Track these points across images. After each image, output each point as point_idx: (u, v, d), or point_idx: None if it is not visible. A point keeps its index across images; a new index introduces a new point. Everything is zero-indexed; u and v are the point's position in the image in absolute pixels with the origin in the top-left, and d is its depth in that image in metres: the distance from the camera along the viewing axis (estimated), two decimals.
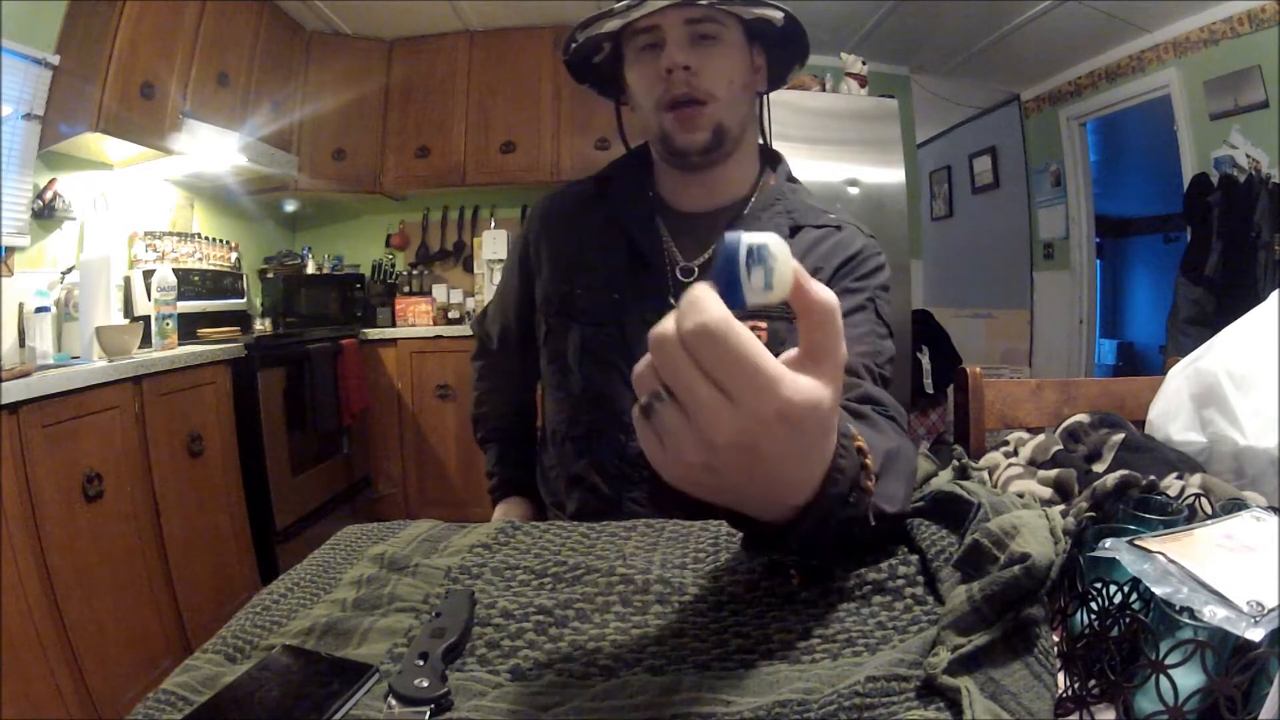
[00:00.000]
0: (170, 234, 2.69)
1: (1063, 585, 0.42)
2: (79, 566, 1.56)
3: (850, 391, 0.69)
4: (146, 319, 2.20)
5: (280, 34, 3.02)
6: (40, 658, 1.44)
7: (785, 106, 2.66)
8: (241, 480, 2.25)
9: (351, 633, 0.46)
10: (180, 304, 2.30)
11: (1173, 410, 0.86)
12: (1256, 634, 0.32)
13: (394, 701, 0.37)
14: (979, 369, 1.15)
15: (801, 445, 0.37)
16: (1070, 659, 0.38)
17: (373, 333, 3.11)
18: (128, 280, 2.40)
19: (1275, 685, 0.30)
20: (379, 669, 0.41)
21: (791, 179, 0.94)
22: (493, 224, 3.52)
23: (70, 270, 2.13)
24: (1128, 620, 0.37)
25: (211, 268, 2.83)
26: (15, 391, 1.44)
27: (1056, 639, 0.39)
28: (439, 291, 3.53)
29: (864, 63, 3.07)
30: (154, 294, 2.20)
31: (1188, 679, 0.32)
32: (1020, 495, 0.55)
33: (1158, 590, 0.36)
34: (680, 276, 0.85)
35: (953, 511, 0.53)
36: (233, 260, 3.02)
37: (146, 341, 2.13)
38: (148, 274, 2.34)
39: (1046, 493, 0.71)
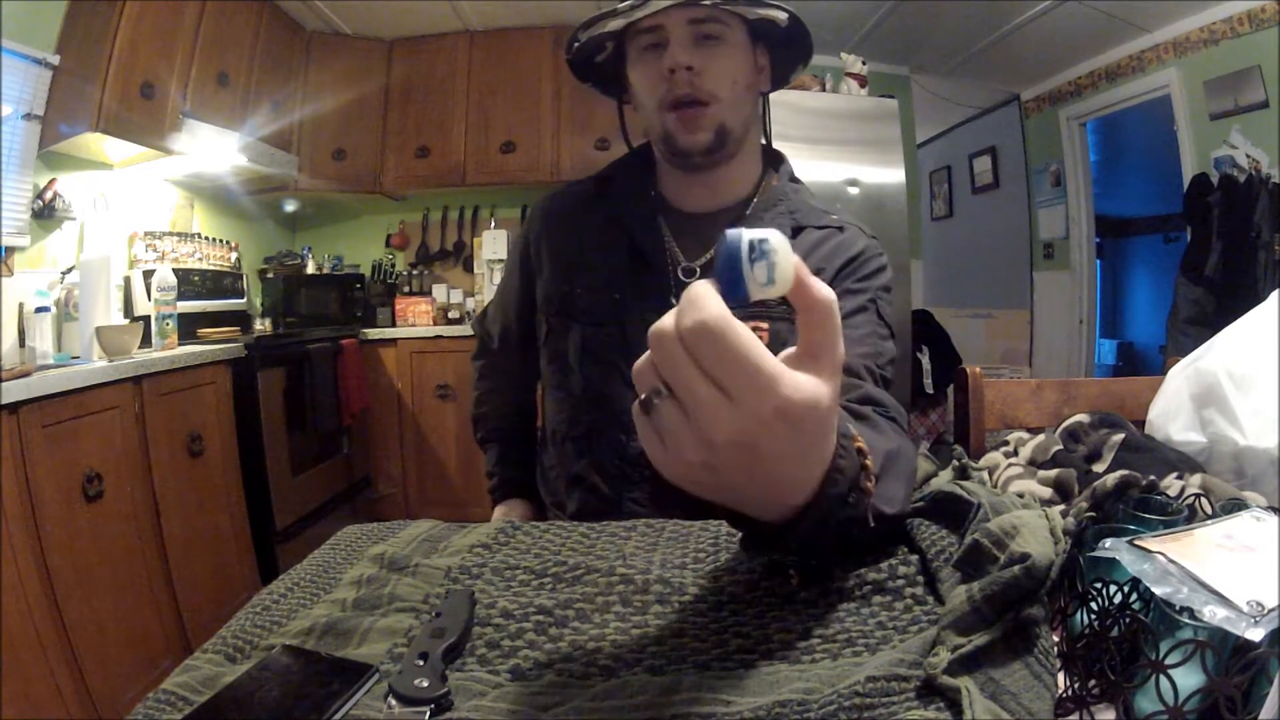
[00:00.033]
0: (170, 234, 2.69)
1: (1063, 585, 0.42)
2: (79, 566, 1.56)
3: (851, 392, 0.69)
4: (146, 319, 2.20)
5: (280, 34, 3.02)
6: (40, 658, 1.44)
7: (785, 106, 2.66)
8: (241, 480, 2.25)
9: (351, 633, 0.46)
10: (180, 304, 2.30)
11: (1173, 410, 0.86)
12: (1256, 634, 0.32)
13: (394, 701, 0.37)
14: (979, 369, 1.15)
15: (800, 444, 0.37)
16: (1070, 659, 0.38)
17: (373, 333, 3.11)
18: (128, 280, 2.40)
19: (1275, 685, 0.30)
20: (379, 669, 0.41)
21: (794, 179, 0.94)
22: (493, 224, 3.52)
23: (70, 270, 2.13)
24: (1128, 620, 0.37)
25: (211, 268, 2.83)
26: (15, 391, 1.44)
27: (1056, 639, 0.39)
28: (439, 291, 3.53)
29: (864, 63, 3.07)
30: (154, 294, 2.20)
31: (1188, 679, 0.32)
32: (1020, 495, 0.55)
33: (1158, 590, 0.36)
34: (682, 277, 0.85)
35: (953, 511, 0.53)
36: (233, 260, 3.02)
37: (146, 341, 2.13)
38: (148, 274, 2.34)
39: (1046, 493, 0.71)
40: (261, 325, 3.04)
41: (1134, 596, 0.41)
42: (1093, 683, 0.37)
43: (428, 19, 3.26)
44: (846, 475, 0.42)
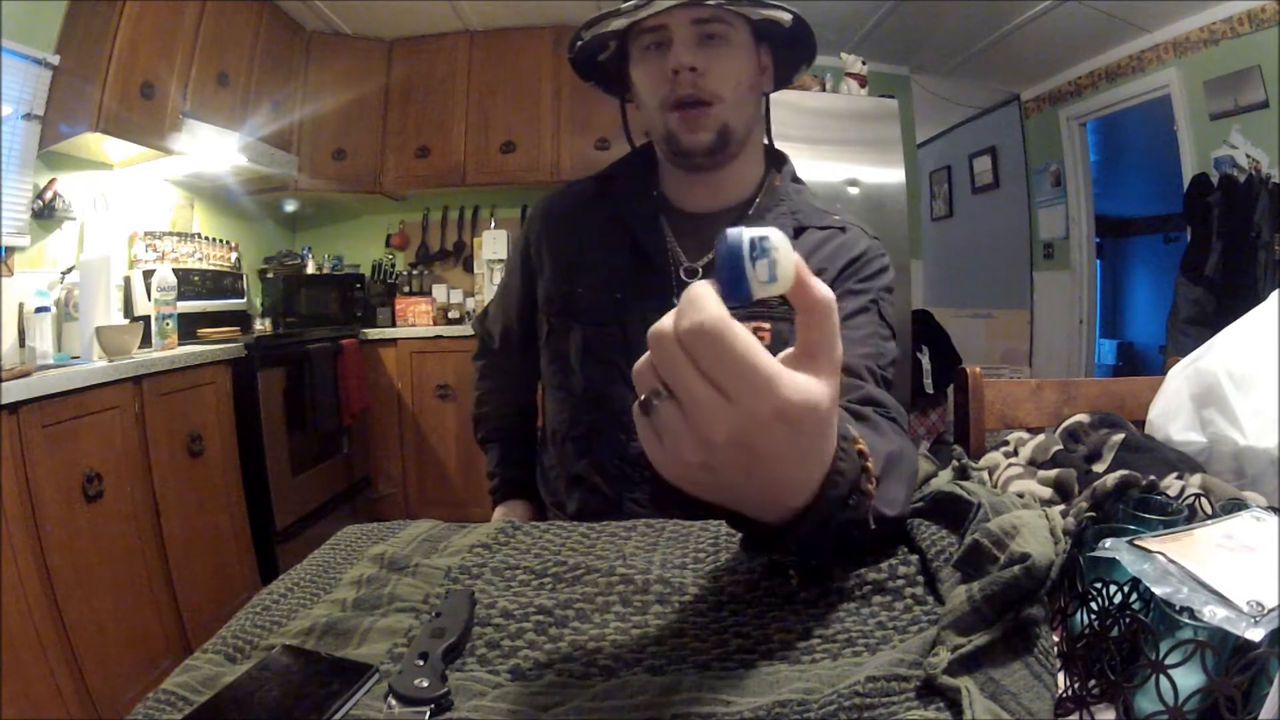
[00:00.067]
0: (170, 234, 2.69)
1: (1063, 585, 0.42)
2: (79, 566, 1.56)
3: (852, 393, 0.69)
4: (146, 319, 2.20)
5: (280, 34, 3.02)
6: (40, 658, 1.44)
7: (785, 106, 2.66)
8: (241, 480, 2.25)
9: (351, 633, 0.46)
10: (180, 304, 2.30)
11: (1173, 410, 0.86)
12: (1256, 634, 0.32)
13: (394, 701, 0.37)
14: (979, 369, 1.15)
15: (800, 445, 0.37)
16: (1070, 659, 0.38)
17: (373, 333, 3.11)
18: (128, 280, 2.40)
19: (1275, 685, 0.30)
20: (379, 669, 0.41)
21: (796, 180, 0.94)
22: (493, 224, 3.52)
23: (70, 270, 2.13)
24: (1128, 620, 0.37)
25: (211, 268, 2.83)
26: (15, 391, 1.44)
27: (1056, 639, 0.39)
28: (439, 291, 3.53)
29: (864, 63, 3.07)
30: (154, 294, 2.20)
31: (1188, 679, 0.32)
32: (1020, 495, 0.55)
33: (1158, 590, 0.36)
34: (684, 277, 0.85)
35: (953, 511, 0.53)
36: (233, 260, 3.02)
37: (146, 341, 2.13)
38: (148, 274, 2.34)
39: (1046, 493, 0.71)
40: (261, 325, 3.04)
41: (1134, 596, 0.41)
42: (1093, 683, 0.37)
43: (428, 19, 3.26)
44: (847, 478, 0.42)
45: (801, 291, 0.36)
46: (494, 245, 3.37)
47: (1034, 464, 0.80)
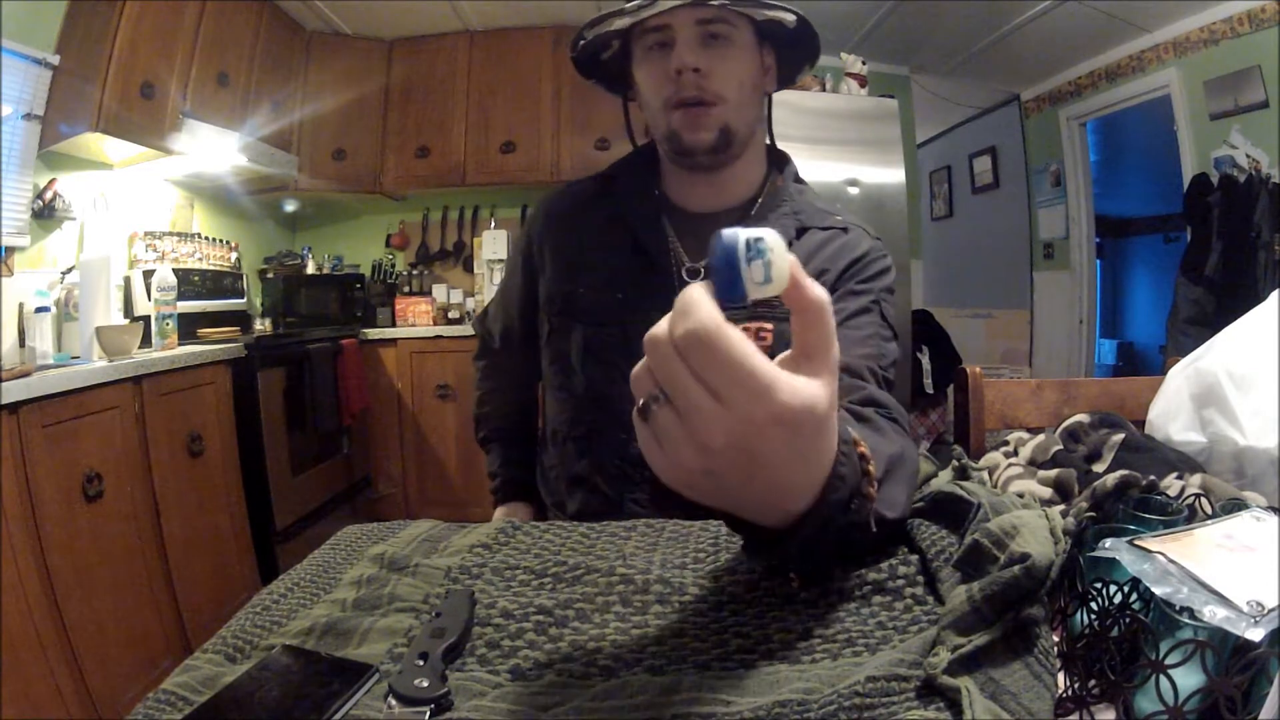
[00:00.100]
0: (170, 234, 2.69)
1: (1063, 585, 0.42)
2: (79, 566, 1.56)
3: (853, 394, 0.68)
4: (146, 319, 2.20)
5: (280, 34, 3.02)
6: (40, 658, 1.44)
7: (785, 106, 2.63)
8: (241, 480, 2.25)
9: (351, 633, 0.46)
10: (180, 304, 2.30)
11: (1173, 410, 0.86)
12: (1256, 634, 0.32)
13: (394, 701, 0.37)
14: (979, 369, 1.15)
15: (799, 448, 0.37)
16: (1070, 659, 0.38)
17: (373, 333, 3.11)
18: (128, 280, 2.40)
19: (1275, 685, 0.30)
20: (379, 669, 0.41)
21: (798, 180, 0.94)
22: (493, 224, 3.52)
23: (70, 270, 2.13)
24: (1128, 620, 0.37)
25: (211, 268, 2.83)
26: (15, 391, 1.44)
27: (1056, 639, 0.39)
28: (439, 291, 3.53)
29: (864, 63, 3.07)
30: (154, 294, 2.20)
31: (1188, 679, 0.32)
32: (1020, 495, 0.55)
33: (1158, 590, 0.36)
34: (686, 277, 0.84)
35: (953, 511, 0.53)
36: (233, 260, 3.02)
37: (146, 341, 2.13)
38: (148, 274, 2.34)
39: (1046, 493, 0.71)
40: (261, 325, 3.04)
41: (1134, 596, 0.41)
42: (1093, 683, 0.37)
43: (428, 19, 3.26)
44: (848, 482, 0.42)
45: (796, 293, 0.36)
46: (494, 245, 3.37)
47: (1034, 464, 0.80)
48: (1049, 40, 3.55)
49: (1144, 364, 5.12)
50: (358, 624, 0.47)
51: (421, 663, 0.40)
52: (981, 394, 1.13)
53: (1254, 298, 1.17)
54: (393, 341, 3.10)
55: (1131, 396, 1.11)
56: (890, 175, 2.88)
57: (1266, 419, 0.74)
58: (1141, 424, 0.90)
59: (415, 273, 3.57)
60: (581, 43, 0.85)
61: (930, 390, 3.14)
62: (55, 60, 2.07)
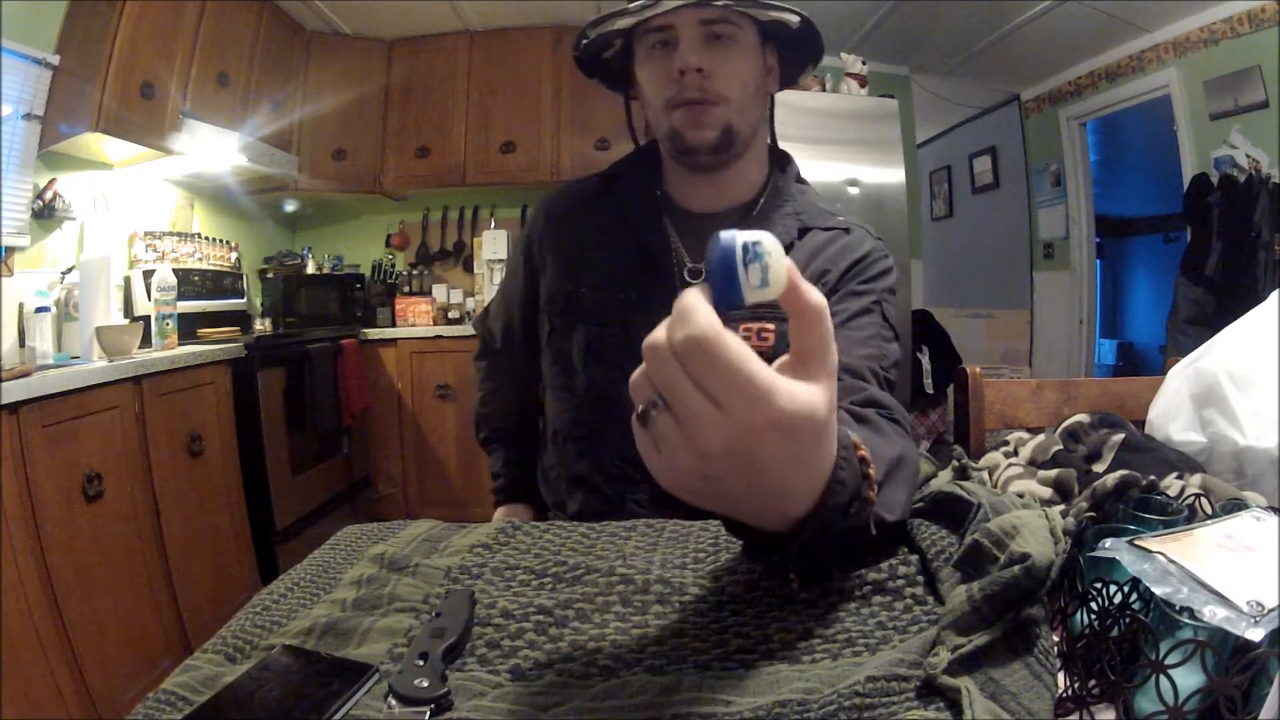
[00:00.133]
0: (170, 234, 2.69)
1: (1063, 585, 0.42)
2: (79, 566, 1.56)
3: (854, 395, 0.68)
4: (146, 319, 2.20)
5: (280, 34, 3.02)
6: (40, 658, 1.44)
7: (785, 106, 2.62)
8: (241, 480, 2.25)
9: (351, 633, 0.46)
10: (180, 304, 2.30)
11: (1173, 410, 0.86)
12: (1256, 634, 0.32)
13: (394, 701, 0.37)
14: (979, 369, 1.15)
15: (798, 454, 0.37)
16: (1070, 659, 0.38)
17: (373, 333, 3.11)
18: (128, 280, 2.40)
19: (1275, 685, 0.30)
20: (379, 669, 0.41)
21: (800, 180, 0.94)
22: (493, 224, 3.52)
23: (70, 270, 2.13)
24: (1128, 620, 0.37)
25: (211, 268, 2.83)
26: (15, 391, 1.44)
27: (1056, 639, 0.39)
28: (439, 291, 3.53)
29: (864, 63, 3.07)
30: (154, 294, 2.20)
31: (1188, 679, 0.32)
32: (1020, 495, 0.55)
33: (1158, 590, 0.36)
34: (688, 278, 0.84)
35: (953, 511, 0.53)
36: (233, 260, 3.02)
37: (146, 341, 2.13)
38: (148, 274, 2.34)
39: (1046, 493, 0.71)
40: (261, 325, 3.04)
41: (1134, 596, 0.41)
42: (1093, 683, 0.37)
43: (428, 19, 3.26)
44: (848, 486, 0.42)
45: (794, 296, 0.36)
46: (494, 245, 3.37)
47: (1034, 464, 0.80)
48: (1049, 40, 3.55)
49: (1144, 364, 5.13)
50: (358, 624, 0.47)
51: (421, 663, 0.40)
52: (981, 394, 1.13)
53: (1254, 298, 1.17)
54: (393, 341, 3.10)
55: (1131, 396, 1.11)
56: (890, 175, 2.88)
57: (1266, 419, 0.74)
58: (1141, 424, 0.90)
59: (415, 273, 3.57)
60: (584, 41, 0.85)
61: (930, 390, 3.14)
62: (55, 60, 2.07)
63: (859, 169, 2.83)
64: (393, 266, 3.62)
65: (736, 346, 0.33)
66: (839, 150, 2.81)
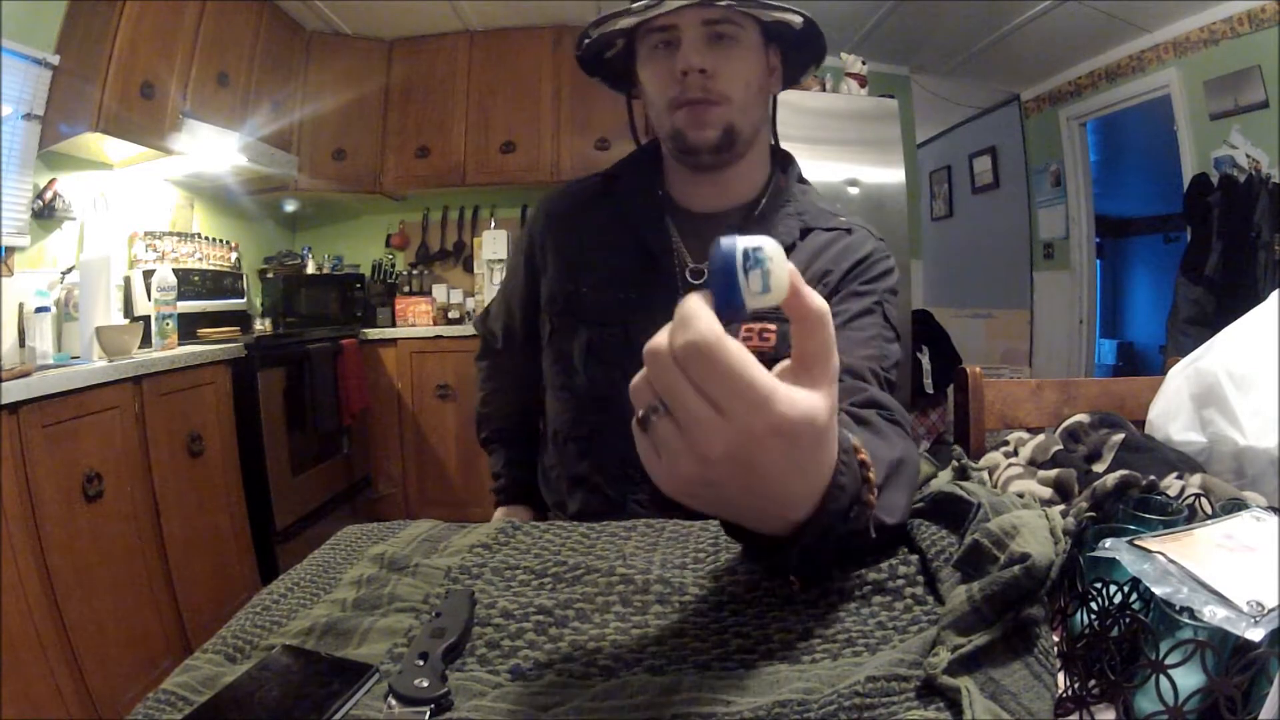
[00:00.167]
0: (170, 234, 2.69)
1: (1063, 585, 0.42)
2: (79, 566, 1.56)
3: (855, 395, 0.68)
4: (146, 319, 2.20)
5: (280, 34, 3.02)
6: (40, 658, 1.44)
7: (785, 106, 2.62)
8: (241, 480, 2.25)
9: (351, 633, 0.46)
10: (180, 304, 2.30)
11: (1173, 410, 0.86)
12: (1256, 634, 0.32)
13: (394, 701, 0.37)
14: (979, 369, 1.15)
15: (798, 459, 0.37)
16: (1070, 659, 0.38)
17: (373, 333, 3.11)
18: (128, 280, 2.40)
19: (1275, 685, 0.30)
20: (379, 669, 0.41)
21: (802, 181, 0.94)
22: (493, 224, 3.52)
23: (70, 270, 2.13)
24: (1128, 620, 0.37)
25: (211, 268, 2.83)
26: (15, 391, 1.44)
27: (1056, 639, 0.39)
28: (439, 291, 3.53)
29: (864, 63, 3.07)
30: (154, 294, 2.20)
31: (1188, 679, 0.32)
32: (1020, 495, 0.55)
33: (1158, 590, 0.36)
34: (690, 279, 0.84)
35: (953, 512, 0.53)
36: (233, 260, 3.02)
37: (146, 341, 2.13)
38: (148, 274, 2.34)
39: (1046, 493, 0.71)
40: (261, 325, 3.04)
41: (1134, 596, 0.41)
42: (1093, 683, 0.37)
43: (428, 19, 3.26)
44: (848, 491, 0.42)
45: (796, 302, 0.36)
46: (494, 245, 3.37)
47: (1034, 464, 0.80)
48: (1049, 40, 3.55)
49: (1144, 364, 5.13)
50: (358, 624, 0.47)
51: (421, 663, 0.40)
52: (981, 394, 1.13)
53: (1254, 298, 1.17)
54: (393, 341, 3.10)
55: (1131, 396, 1.11)
56: (890, 175, 2.89)
57: (1266, 419, 0.74)
58: (1141, 424, 0.90)
59: (415, 273, 3.57)
60: (586, 41, 0.85)
61: (930, 390, 3.14)
62: (55, 60, 2.07)
63: (859, 169, 2.83)
64: (393, 266, 3.62)
65: (737, 352, 0.33)
66: (839, 150, 2.81)
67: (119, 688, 1.61)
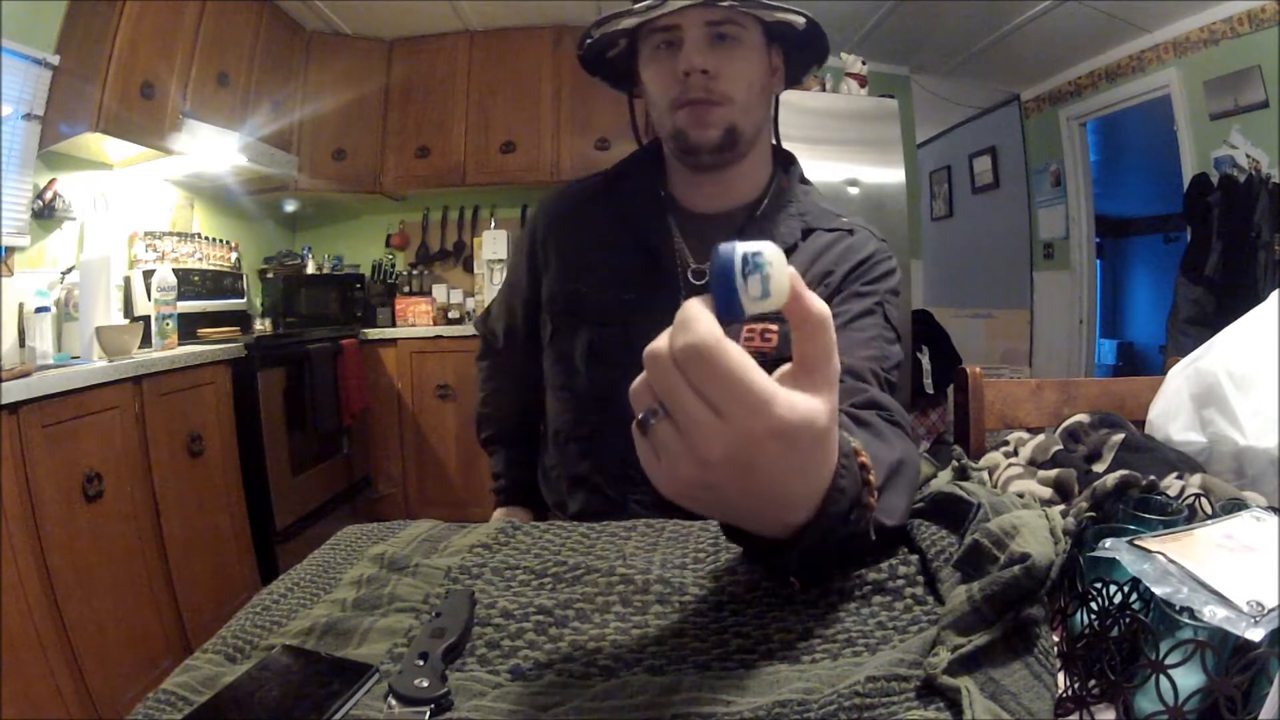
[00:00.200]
0: (170, 234, 2.69)
1: (1063, 585, 0.42)
2: (79, 566, 1.56)
3: (856, 396, 0.68)
4: (146, 319, 2.20)
5: (280, 34, 3.02)
6: (40, 658, 1.44)
7: (785, 106, 2.61)
8: (241, 480, 2.25)
9: (351, 633, 0.46)
10: (180, 304, 2.30)
11: (1173, 410, 0.86)
12: (1256, 634, 0.32)
13: (394, 701, 0.37)
14: (979, 369, 1.15)
15: (797, 462, 0.37)
16: (1070, 659, 0.38)
17: (373, 333, 3.11)
18: (128, 280, 2.40)
19: (1275, 685, 0.30)
20: (379, 669, 0.41)
21: (804, 181, 0.94)
22: (493, 224, 3.52)
23: (70, 270, 2.13)
24: (1128, 620, 0.37)
25: (211, 268, 2.83)
26: (15, 391, 1.44)
27: (1056, 639, 0.39)
28: (439, 291, 3.53)
29: (864, 63, 3.07)
30: (154, 294, 2.20)
31: (1188, 679, 0.32)
32: (1020, 495, 0.55)
33: (1158, 590, 0.36)
34: (692, 279, 0.84)
35: (953, 512, 0.53)
36: (233, 260, 3.02)
37: (146, 341, 2.13)
38: (148, 274, 2.34)
39: (1046, 493, 0.71)
40: (261, 325, 3.04)
41: (1134, 596, 0.41)
42: (1093, 683, 0.37)
43: (428, 19, 3.26)
44: (848, 494, 0.42)
45: (796, 306, 0.36)
46: (494, 245, 3.37)
47: (1034, 464, 0.80)
48: (1049, 40, 3.55)
49: (1144, 364, 5.13)
50: (358, 624, 0.47)
51: (421, 663, 0.40)
52: (981, 394, 1.13)
53: (1254, 298, 1.17)
54: (393, 341, 3.10)
55: (1131, 396, 1.11)
56: (890, 175, 2.89)
57: (1266, 419, 0.74)
58: (1141, 424, 0.90)
59: (415, 273, 3.57)
60: (589, 41, 0.85)
61: (930, 390, 3.14)
62: (55, 60, 2.07)
63: (859, 169, 2.83)
64: (393, 266, 3.62)
65: (737, 355, 0.33)
66: (839, 150, 2.81)
67: (119, 688, 1.61)
